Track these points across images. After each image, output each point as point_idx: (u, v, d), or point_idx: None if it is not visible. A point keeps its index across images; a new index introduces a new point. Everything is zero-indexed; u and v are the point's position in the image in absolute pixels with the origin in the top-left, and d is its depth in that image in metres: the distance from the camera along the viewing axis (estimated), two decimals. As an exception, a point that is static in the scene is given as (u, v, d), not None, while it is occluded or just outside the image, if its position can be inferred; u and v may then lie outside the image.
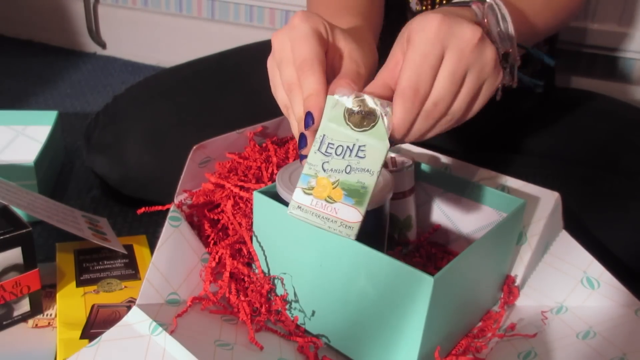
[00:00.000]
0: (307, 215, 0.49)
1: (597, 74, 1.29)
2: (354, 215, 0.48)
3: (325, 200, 0.48)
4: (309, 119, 0.48)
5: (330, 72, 0.52)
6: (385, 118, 0.47)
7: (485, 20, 0.54)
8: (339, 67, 0.52)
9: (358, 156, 0.47)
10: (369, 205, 0.48)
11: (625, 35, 1.21)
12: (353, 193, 0.48)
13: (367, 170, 0.47)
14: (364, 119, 0.47)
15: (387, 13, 0.85)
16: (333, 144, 0.48)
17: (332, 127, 0.48)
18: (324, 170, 0.48)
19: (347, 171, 0.48)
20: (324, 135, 0.48)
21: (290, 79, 0.50)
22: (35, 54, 1.71)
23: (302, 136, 0.50)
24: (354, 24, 0.64)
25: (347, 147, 0.47)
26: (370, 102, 0.47)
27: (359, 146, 0.47)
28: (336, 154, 0.48)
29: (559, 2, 0.70)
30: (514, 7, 0.63)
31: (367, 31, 0.65)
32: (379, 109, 0.47)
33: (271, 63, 0.54)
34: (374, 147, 0.47)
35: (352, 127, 0.47)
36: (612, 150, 0.77)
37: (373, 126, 0.47)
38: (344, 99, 0.48)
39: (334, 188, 0.48)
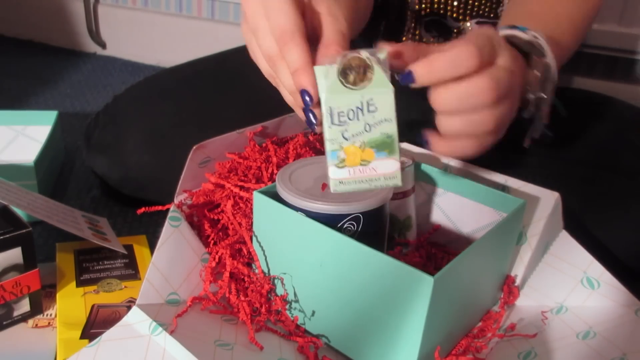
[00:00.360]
0: (351, 186, 0.49)
1: (597, 74, 1.29)
2: (392, 165, 0.49)
3: (360, 164, 0.49)
4: (306, 97, 0.48)
5: (311, 31, 0.51)
6: (379, 65, 0.47)
7: (536, 73, 0.54)
8: (319, 25, 0.51)
9: (370, 111, 0.47)
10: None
11: (625, 35, 1.21)
12: (382, 146, 0.48)
13: (385, 120, 0.48)
14: (359, 74, 0.47)
15: (387, 12, 0.85)
16: (343, 112, 0.48)
17: (334, 97, 0.48)
18: (346, 139, 0.48)
19: (367, 130, 0.48)
20: (330, 107, 0.48)
21: (271, 51, 0.49)
22: (35, 54, 1.71)
23: (307, 113, 0.49)
24: None
25: (357, 107, 0.48)
26: (360, 56, 0.47)
27: (367, 102, 0.47)
28: (350, 119, 0.48)
29: (583, 16, 0.68)
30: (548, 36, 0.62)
31: None
32: (371, 58, 0.47)
33: (245, 29, 0.52)
34: (381, 96, 0.47)
35: (352, 87, 0.47)
36: (612, 150, 0.77)
37: (371, 77, 0.47)
38: (333, 66, 0.47)
39: (363, 150, 0.48)
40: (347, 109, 0.47)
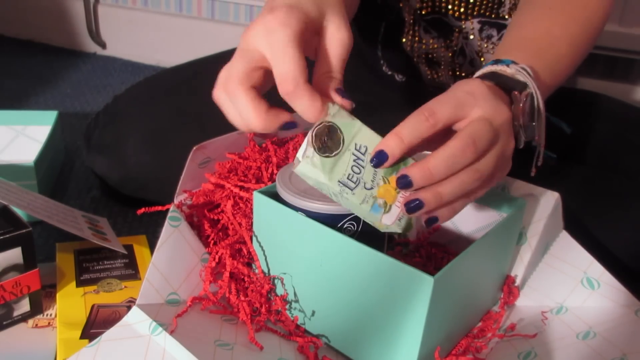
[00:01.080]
0: (406, 217, 0.50)
1: (597, 74, 1.29)
2: None
3: (398, 193, 0.49)
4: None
5: (312, 52, 0.51)
6: (336, 118, 0.48)
7: (520, 107, 0.53)
8: (320, 46, 0.50)
9: (365, 152, 0.48)
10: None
11: (625, 35, 1.21)
12: (398, 167, 0.49)
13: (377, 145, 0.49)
14: (333, 135, 0.47)
15: (384, 14, 0.85)
16: (350, 174, 0.48)
17: (334, 174, 0.48)
18: (371, 188, 0.49)
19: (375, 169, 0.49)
20: (339, 182, 0.48)
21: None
22: (35, 54, 1.71)
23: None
24: None
25: (355, 160, 0.48)
26: (317, 128, 0.47)
27: (357, 149, 0.48)
28: (358, 173, 0.48)
29: (585, 36, 0.66)
30: (541, 63, 0.60)
31: None
32: (324, 121, 0.47)
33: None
34: (360, 135, 0.48)
35: (337, 151, 0.48)
36: (612, 150, 0.77)
37: (340, 131, 0.48)
38: (313, 154, 0.47)
39: (389, 182, 0.49)
40: (350, 168, 0.48)
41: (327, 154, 0.47)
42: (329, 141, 0.47)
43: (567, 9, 0.63)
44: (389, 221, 0.49)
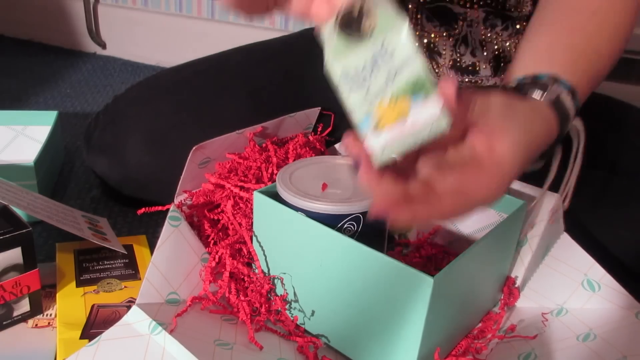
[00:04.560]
0: (397, 148, 0.41)
1: (597, 75, 1.29)
2: (434, 105, 0.40)
3: (398, 120, 0.40)
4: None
5: None
6: (379, 1, 0.40)
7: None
8: None
9: (388, 57, 0.40)
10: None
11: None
12: (416, 88, 0.40)
13: (408, 59, 0.39)
14: (363, 20, 0.39)
15: None
16: (358, 70, 0.40)
17: (343, 59, 0.40)
18: (374, 99, 0.40)
19: (392, 78, 0.40)
20: (342, 71, 0.40)
21: None
22: (35, 54, 1.71)
23: None
24: None
25: (372, 59, 0.40)
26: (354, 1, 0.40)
27: (381, 47, 0.40)
28: (370, 76, 0.40)
29: (619, 46, 0.62)
30: (587, 79, 0.57)
31: None
32: None
33: None
34: (394, 35, 0.39)
35: (359, 39, 0.40)
36: (612, 151, 0.77)
37: (378, 18, 0.39)
38: (331, 21, 0.40)
39: (396, 103, 0.40)
40: (362, 64, 0.40)
41: (346, 32, 0.40)
42: (357, 19, 0.39)
43: (610, 18, 0.60)
44: (372, 144, 0.41)
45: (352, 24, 0.39)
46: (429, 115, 0.40)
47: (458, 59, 0.83)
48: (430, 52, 0.84)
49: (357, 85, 0.40)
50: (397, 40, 0.39)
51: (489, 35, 0.81)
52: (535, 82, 0.52)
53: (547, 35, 0.60)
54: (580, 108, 0.56)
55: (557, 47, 0.58)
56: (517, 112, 0.46)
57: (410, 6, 0.81)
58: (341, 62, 0.40)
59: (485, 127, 0.44)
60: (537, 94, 0.51)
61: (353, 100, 0.40)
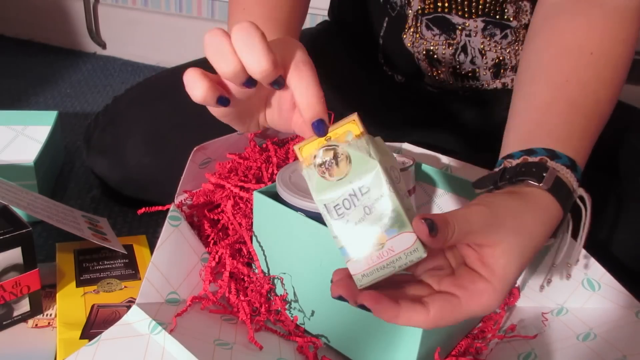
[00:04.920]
0: (376, 274, 0.43)
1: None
2: (408, 238, 0.43)
3: (375, 249, 0.43)
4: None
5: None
6: (352, 147, 0.43)
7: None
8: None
9: (363, 193, 0.43)
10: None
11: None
12: (390, 224, 0.43)
13: (380, 197, 0.43)
14: (340, 162, 0.43)
15: (386, 10, 0.85)
16: (338, 204, 0.43)
17: (324, 195, 0.43)
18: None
19: (368, 212, 0.43)
20: (325, 205, 0.44)
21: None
22: (35, 54, 1.71)
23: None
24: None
25: (350, 195, 0.43)
26: (330, 147, 0.43)
27: (355, 186, 0.43)
28: (347, 209, 0.43)
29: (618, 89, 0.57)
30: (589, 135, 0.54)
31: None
32: (339, 146, 0.43)
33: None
34: (367, 176, 0.43)
35: (337, 178, 0.43)
36: (612, 151, 0.77)
37: (351, 161, 0.43)
38: (310, 167, 0.43)
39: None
40: (341, 200, 0.43)
41: (324, 175, 0.43)
42: (334, 164, 0.43)
43: (608, 55, 0.55)
44: (353, 270, 0.43)
45: (329, 167, 0.43)
46: (404, 246, 0.43)
47: (458, 67, 0.83)
48: (430, 60, 0.84)
49: (338, 216, 0.43)
50: (370, 180, 0.43)
51: (488, 43, 0.81)
52: (532, 164, 0.49)
53: (542, 94, 0.55)
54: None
55: (553, 108, 0.54)
56: (505, 218, 0.44)
57: (410, 15, 0.82)
58: (323, 196, 0.43)
59: (473, 244, 0.44)
60: (533, 182, 0.47)
61: (335, 228, 0.43)
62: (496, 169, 0.52)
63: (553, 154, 0.49)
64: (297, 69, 0.44)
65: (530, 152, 0.50)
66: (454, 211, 0.43)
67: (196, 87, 0.45)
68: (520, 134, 0.53)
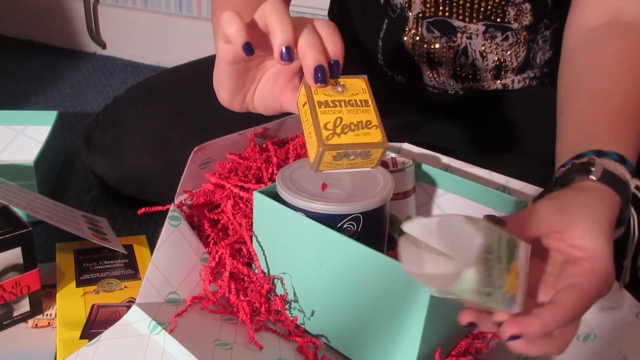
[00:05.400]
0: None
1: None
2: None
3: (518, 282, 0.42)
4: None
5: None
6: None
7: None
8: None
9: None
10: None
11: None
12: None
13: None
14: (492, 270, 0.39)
15: (386, 12, 0.85)
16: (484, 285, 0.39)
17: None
18: (501, 287, 0.40)
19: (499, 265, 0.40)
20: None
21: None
22: (35, 54, 1.71)
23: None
24: None
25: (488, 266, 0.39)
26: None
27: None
28: (489, 277, 0.39)
29: None
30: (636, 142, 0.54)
31: None
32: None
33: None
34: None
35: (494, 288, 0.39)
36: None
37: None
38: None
39: (511, 275, 0.41)
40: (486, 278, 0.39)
41: (488, 291, 0.39)
42: (492, 272, 0.39)
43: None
44: (518, 309, 0.42)
45: (489, 280, 0.39)
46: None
47: (458, 69, 0.83)
48: (431, 62, 0.84)
49: (491, 292, 0.40)
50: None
51: (489, 45, 0.81)
52: (580, 164, 0.51)
53: (585, 107, 0.57)
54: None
55: (597, 117, 0.55)
56: (568, 203, 0.45)
57: (410, 17, 0.82)
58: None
59: (553, 235, 0.45)
60: (582, 178, 0.49)
61: (496, 303, 0.41)
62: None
63: (600, 153, 0.51)
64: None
65: (578, 156, 0.51)
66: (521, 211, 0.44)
67: (232, 24, 0.47)
68: (569, 145, 0.55)
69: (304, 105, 0.47)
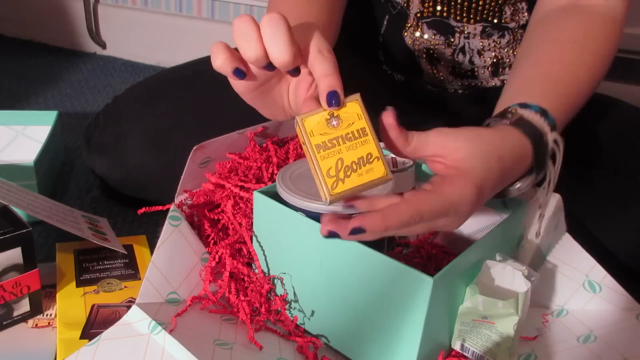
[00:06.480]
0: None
1: (597, 75, 1.29)
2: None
3: None
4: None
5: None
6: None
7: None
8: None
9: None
10: None
11: (626, 35, 1.21)
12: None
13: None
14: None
15: (387, 9, 0.85)
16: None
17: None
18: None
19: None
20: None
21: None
22: (35, 54, 1.71)
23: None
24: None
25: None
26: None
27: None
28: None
29: (601, 72, 0.64)
30: (565, 108, 0.59)
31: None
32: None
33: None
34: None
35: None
36: (612, 150, 0.77)
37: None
38: None
39: None
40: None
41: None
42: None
43: (590, 45, 0.63)
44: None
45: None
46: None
47: (457, 66, 0.84)
48: (430, 58, 0.84)
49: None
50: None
51: (487, 44, 0.82)
52: (500, 112, 0.54)
53: (526, 69, 0.62)
54: (562, 127, 0.58)
55: (534, 78, 0.59)
56: (461, 130, 0.48)
57: (410, 16, 0.82)
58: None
59: (437, 157, 0.47)
60: (497, 121, 0.52)
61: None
62: None
63: (524, 105, 0.54)
64: (320, 54, 0.47)
65: (505, 109, 0.55)
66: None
67: (218, 56, 0.48)
68: (501, 102, 0.59)
69: (303, 144, 0.47)
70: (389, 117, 0.45)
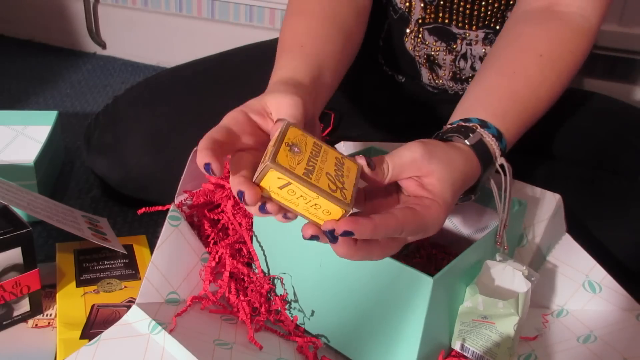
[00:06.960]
0: None
1: (596, 74, 1.29)
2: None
3: None
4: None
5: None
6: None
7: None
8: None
9: None
10: None
11: (625, 35, 1.21)
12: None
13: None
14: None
15: (388, 13, 0.85)
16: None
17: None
18: None
19: None
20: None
21: None
22: (35, 54, 1.71)
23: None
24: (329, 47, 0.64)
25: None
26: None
27: None
28: None
29: (565, 84, 0.64)
30: (521, 123, 0.60)
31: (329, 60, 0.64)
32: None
33: None
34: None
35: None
36: (612, 151, 0.77)
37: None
38: None
39: None
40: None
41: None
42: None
43: (556, 63, 0.62)
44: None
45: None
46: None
47: (458, 72, 0.83)
48: (431, 64, 0.84)
49: None
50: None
51: (489, 49, 0.81)
52: (463, 127, 0.55)
53: (491, 78, 0.62)
54: (514, 147, 0.60)
55: (497, 90, 0.60)
56: (436, 151, 0.50)
57: (411, 22, 0.82)
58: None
59: (413, 177, 0.49)
60: (459, 139, 0.54)
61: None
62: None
63: (484, 124, 0.56)
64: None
65: (466, 120, 0.56)
66: (391, 152, 0.49)
67: (201, 161, 0.49)
68: (463, 109, 0.59)
69: (288, 184, 0.44)
70: (361, 160, 0.47)
